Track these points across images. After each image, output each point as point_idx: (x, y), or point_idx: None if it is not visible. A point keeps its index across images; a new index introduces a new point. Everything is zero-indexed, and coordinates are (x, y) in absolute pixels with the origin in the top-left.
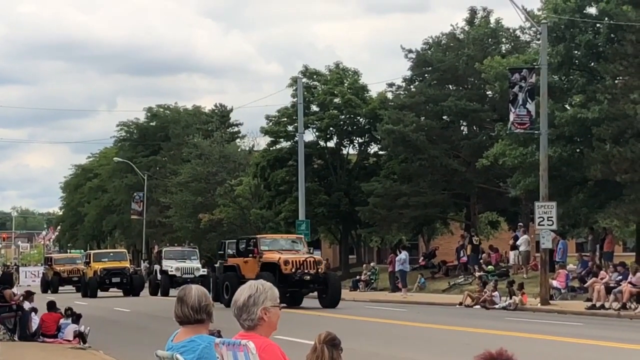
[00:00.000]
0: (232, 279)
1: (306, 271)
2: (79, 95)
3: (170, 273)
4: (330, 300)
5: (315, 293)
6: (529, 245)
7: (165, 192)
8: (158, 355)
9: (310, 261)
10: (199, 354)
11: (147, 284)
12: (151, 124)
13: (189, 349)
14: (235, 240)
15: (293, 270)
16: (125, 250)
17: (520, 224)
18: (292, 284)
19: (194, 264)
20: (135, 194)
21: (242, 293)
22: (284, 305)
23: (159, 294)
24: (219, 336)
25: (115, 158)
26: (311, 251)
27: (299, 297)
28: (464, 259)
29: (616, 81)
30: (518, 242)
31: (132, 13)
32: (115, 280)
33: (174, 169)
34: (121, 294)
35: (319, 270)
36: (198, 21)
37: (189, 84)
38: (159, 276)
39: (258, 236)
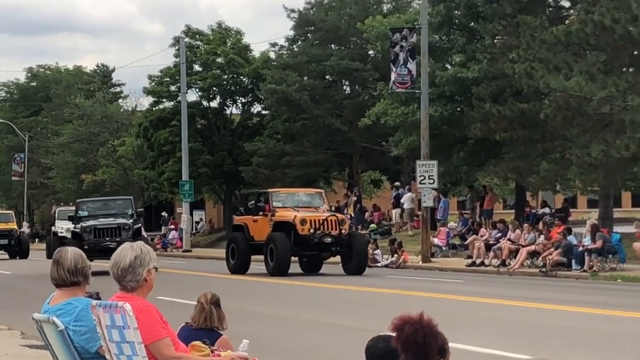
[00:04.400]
0: (240, 240)
1: (327, 232)
2: None
3: (60, 234)
4: (356, 266)
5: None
6: (413, 202)
7: (47, 153)
8: (34, 319)
9: (332, 220)
10: (75, 317)
11: (44, 246)
12: (32, 84)
13: (65, 312)
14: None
15: (311, 230)
16: (11, 212)
17: (397, 183)
18: (310, 247)
19: None
20: (16, 155)
21: (126, 254)
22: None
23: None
24: (98, 298)
25: None
26: (333, 208)
27: (318, 262)
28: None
29: (495, 40)
30: (402, 200)
31: None
32: (2, 242)
33: (56, 129)
34: (7, 256)
35: (342, 231)
36: None
37: (70, 43)
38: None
39: (270, 190)
